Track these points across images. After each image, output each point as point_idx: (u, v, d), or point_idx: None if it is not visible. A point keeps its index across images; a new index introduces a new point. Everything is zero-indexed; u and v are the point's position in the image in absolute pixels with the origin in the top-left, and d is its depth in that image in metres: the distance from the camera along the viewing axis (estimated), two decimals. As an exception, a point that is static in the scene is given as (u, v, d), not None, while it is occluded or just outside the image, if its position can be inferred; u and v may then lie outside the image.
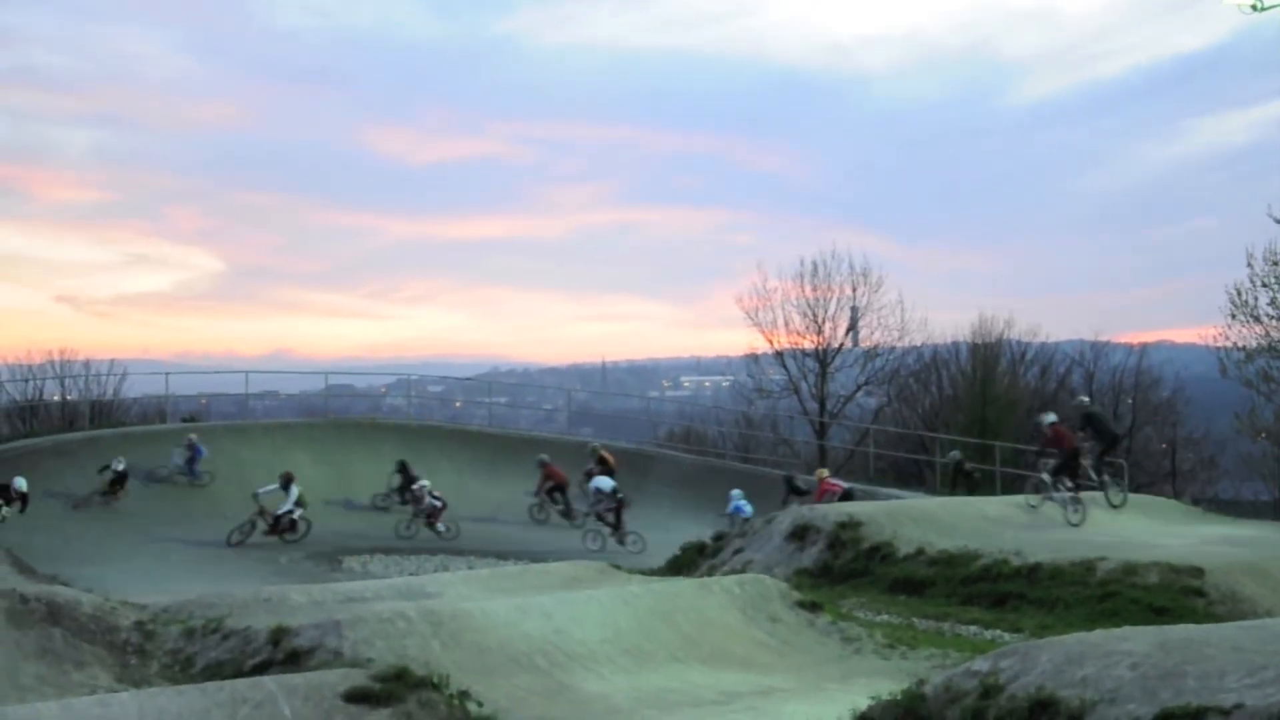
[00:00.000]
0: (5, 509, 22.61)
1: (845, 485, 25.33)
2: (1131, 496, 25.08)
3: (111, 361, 37.02)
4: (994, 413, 36.37)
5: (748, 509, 24.62)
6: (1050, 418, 21.02)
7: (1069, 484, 19.84)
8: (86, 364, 36.68)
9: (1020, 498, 21.36)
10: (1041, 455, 20.66)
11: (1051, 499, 20.01)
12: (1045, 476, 20.24)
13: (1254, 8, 20.36)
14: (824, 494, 24.37)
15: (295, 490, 24.03)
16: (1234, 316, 30.88)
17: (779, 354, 39.59)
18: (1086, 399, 21.39)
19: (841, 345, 39.20)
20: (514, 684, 11.31)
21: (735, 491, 25.92)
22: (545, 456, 27.43)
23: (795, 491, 25.91)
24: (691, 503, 27.53)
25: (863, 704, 7.84)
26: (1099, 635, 7.73)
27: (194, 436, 27.37)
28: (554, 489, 27.00)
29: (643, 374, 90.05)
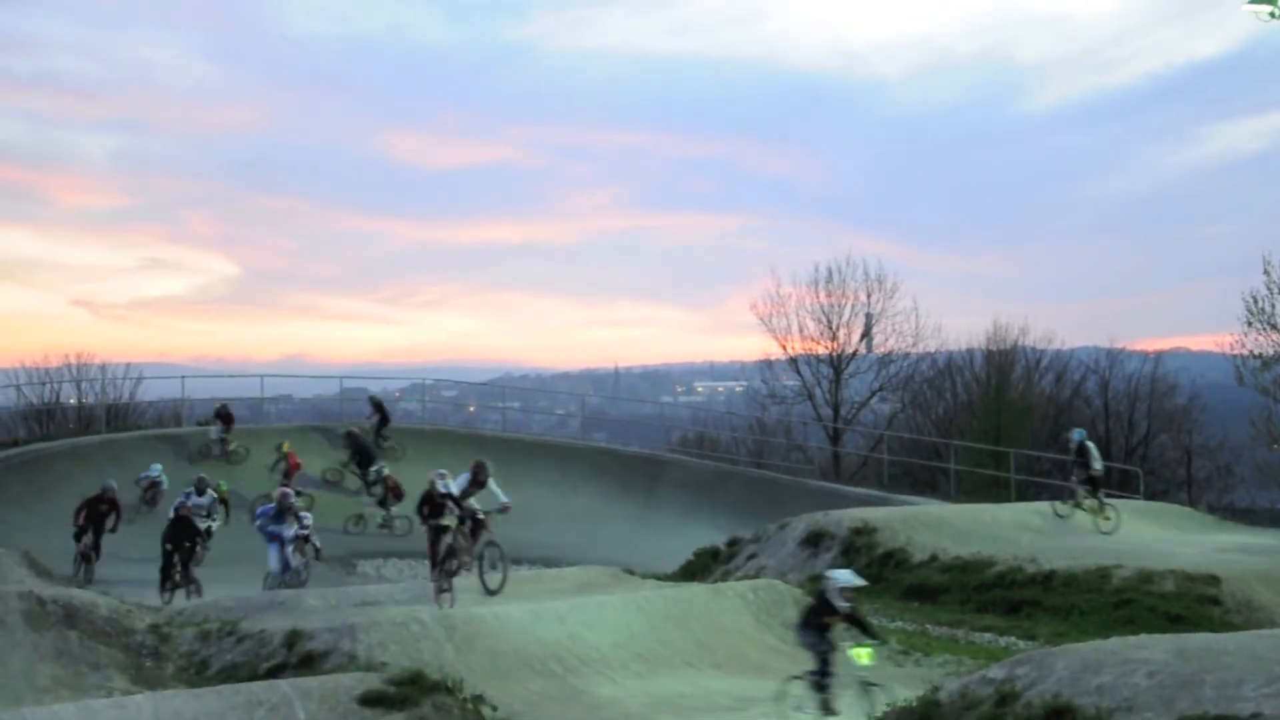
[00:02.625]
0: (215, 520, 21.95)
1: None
2: (1146, 504, 25.00)
3: (128, 365, 37.03)
4: (1009, 420, 36.20)
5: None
6: (1079, 433, 21.32)
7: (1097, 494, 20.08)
8: (103, 367, 36.72)
9: (1045, 505, 21.40)
10: (1075, 466, 20.69)
11: (1081, 507, 20.05)
12: (1077, 487, 20.46)
13: (1271, 15, 20.23)
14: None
15: (210, 495, 22.78)
16: (1250, 323, 30.69)
17: (793, 360, 39.50)
18: (1079, 433, 21.54)
19: (856, 351, 39.08)
20: (528, 688, 11.32)
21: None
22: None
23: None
24: (704, 508, 27.49)
25: (878, 710, 7.83)
26: (1115, 643, 7.70)
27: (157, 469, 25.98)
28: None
29: (656, 379, 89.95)
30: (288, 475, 25.22)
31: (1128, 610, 14.82)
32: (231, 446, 28.09)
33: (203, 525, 20.44)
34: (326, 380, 37.65)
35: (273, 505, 18.99)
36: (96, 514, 20.91)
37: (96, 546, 20.83)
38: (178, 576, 18.55)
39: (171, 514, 20.18)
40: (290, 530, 18.50)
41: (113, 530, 21.06)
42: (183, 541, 18.77)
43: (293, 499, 19.36)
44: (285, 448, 26.53)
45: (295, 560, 18.48)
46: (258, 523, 19.19)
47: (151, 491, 25.07)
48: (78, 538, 20.72)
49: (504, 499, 15.99)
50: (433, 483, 15.35)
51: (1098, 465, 20.42)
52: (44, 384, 35.31)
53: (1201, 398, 39.86)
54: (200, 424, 29.97)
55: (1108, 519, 19.86)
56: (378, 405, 29.77)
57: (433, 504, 15.16)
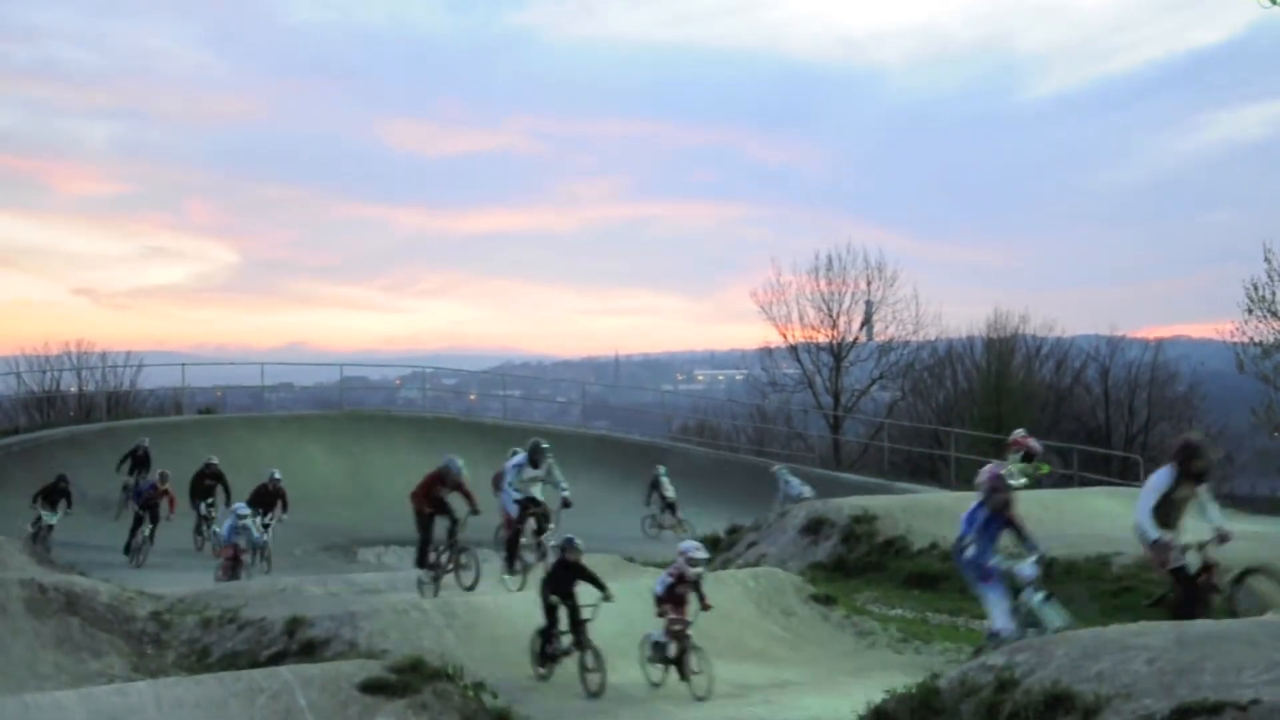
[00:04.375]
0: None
1: None
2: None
3: (128, 353, 37.07)
4: (1009, 407, 36.23)
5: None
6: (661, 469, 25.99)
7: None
8: (103, 355, 36.76)
9: (1044, 493, 21.51)
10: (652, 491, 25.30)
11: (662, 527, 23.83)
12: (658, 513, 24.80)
13: (1273, 1, 20.13)
14: None
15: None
16: (1251, 311, 30.70)
17: (793, 348, 39.56)
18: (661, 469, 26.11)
19: (856, 339, 39.14)
20: (528, 675, 11.35)
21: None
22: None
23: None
24: (704, 496, 27.50)
25: (877, 697, 7.84)
26: (1115, 630, 7.70)
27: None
28: None
29: (656, 367, 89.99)
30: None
31: (1127, 597, 14.82)
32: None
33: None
34: (327, 368, 37.74)
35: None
36: (203, 489, 22.82)
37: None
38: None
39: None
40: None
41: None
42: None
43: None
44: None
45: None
46: None
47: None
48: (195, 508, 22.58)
49: (565, 489, 14.91)
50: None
51: (670, 493, 25.25)
52: (44, 372, 35.41)
53: (1202, 385, 39.87)
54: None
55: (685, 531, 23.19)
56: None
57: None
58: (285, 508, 21.29)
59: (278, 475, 21.65)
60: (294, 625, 12.16)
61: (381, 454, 29.21)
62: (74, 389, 36.07)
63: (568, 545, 11.50)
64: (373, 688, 8.32)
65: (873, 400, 40.68)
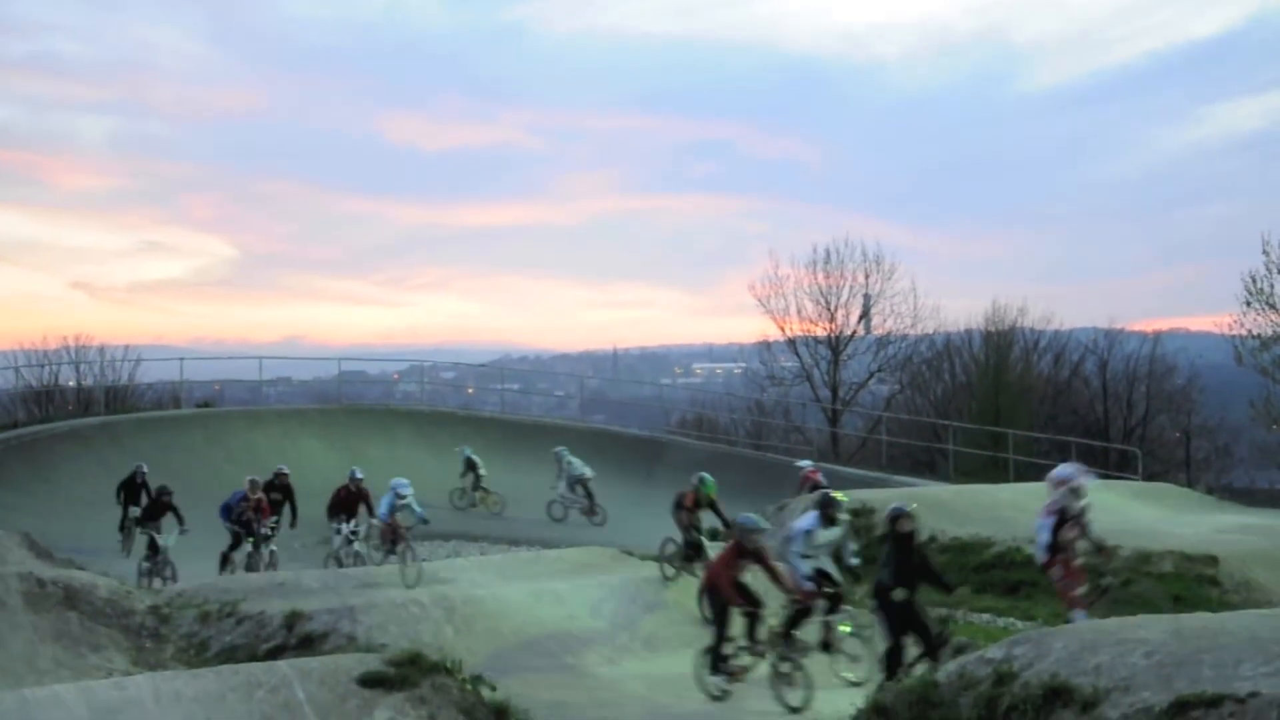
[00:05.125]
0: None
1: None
2: (1145, 485, 25.04)
3: (126, 347, 37.02)
4: (1007, 401, 36.24)
5: (585, 470, 25.70)
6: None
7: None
8: (102, 350, 36.69)
9: (1039, 485, 21.45)
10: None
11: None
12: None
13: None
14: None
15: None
16: (1249, 304, 30.75)
17: (791, 341, 39.54)
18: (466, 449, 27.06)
19: (854, 332, 39.12)
20: (527, 669, 11.36)
21: (563, 449, 26.38)
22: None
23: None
24: (704, 490, 27.51)
25: (875, 691, 7.85)
26: (1113, 623, 7.72)
27: None
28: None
29: (654, 361, 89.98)
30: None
31: (1126, 590, 14.85)
32: None
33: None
34: (325, 362, 37.68)
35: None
36: (350, 504, 18.97)
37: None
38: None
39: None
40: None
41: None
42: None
43: None
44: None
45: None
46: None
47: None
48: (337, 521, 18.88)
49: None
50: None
51: (585, 471, 25.46)
52: (43, 366, 35.31)
53: (1200, 378, 39.88)
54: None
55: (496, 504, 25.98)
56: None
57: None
58: (370, 509, 18.51)
59: (360, 474, 19.30)
60: (293, 619, 12.17)
61: (380, 448, 29.21)
62: (72, 384, 36.05)
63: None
64: (371, 681, 8.31)
65: (871, 393, 40.69)
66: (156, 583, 17.32)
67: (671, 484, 28.21)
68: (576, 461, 25.93)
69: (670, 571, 14.55)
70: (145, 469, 21.70)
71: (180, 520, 18.94)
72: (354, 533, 18.73)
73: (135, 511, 20.82)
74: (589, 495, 25.61)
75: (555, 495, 25.87)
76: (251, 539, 18.54)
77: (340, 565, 18.21)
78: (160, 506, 19.29)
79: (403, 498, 17.13)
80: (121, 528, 21.39)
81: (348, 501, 19.16)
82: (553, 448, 27.04)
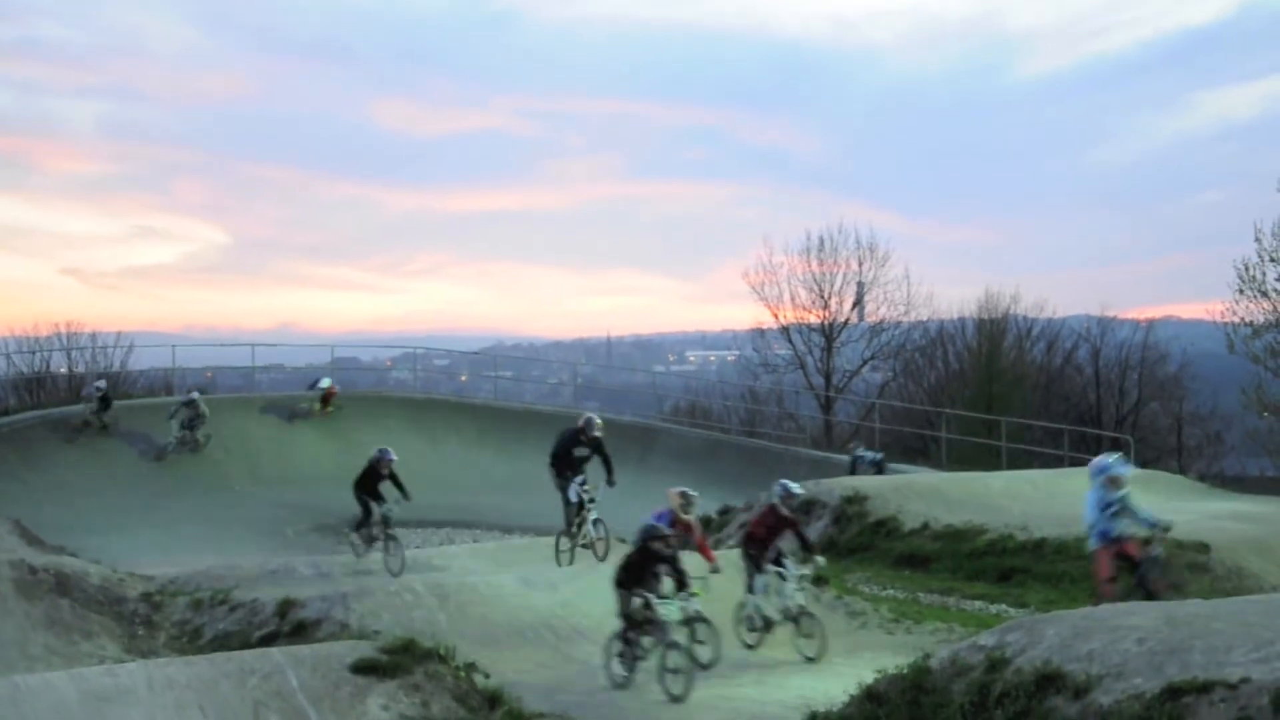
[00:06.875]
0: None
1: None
2: (1137, 472, 25.05)
3: (118, 334, 36.97)
4: (1000, 388, 36.31)
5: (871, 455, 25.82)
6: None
7: None
8: (93, 336, 36.64)
9: (1035, 473, 21.58)
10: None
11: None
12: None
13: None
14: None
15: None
16: (1241, 291, 30.74)
17: (785, 329, 39.55)
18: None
19: (847, 320, 39.16)
20: (520, 656, 11.35)
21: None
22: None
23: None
24: (696, 477, 27.49)
25: (869, 677, 7.85)
26: (1105, 610, 7.73)
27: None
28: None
29: (648, 348, 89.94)
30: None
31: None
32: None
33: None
34: (318, 349, 37.61)
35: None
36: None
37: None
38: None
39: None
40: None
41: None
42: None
43: None
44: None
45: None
46: None
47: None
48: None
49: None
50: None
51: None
52: (34, 353, 35.25)
53: (1192, 366, 39.97)
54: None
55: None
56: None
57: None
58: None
59: (393, 456, 17.72)
60: (286, 606, 12.16)
61: (373, 435, 29.08)
62: (64, 370, 35.95)
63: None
64: (364, 669, 8.32)
65: (864, 381, 40.73)
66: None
67: (665, 471, 28.34)
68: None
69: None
70: (393, 456, 17.84)
71: (402, 489, 17.33)
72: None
73: (380, 509, 17.38)
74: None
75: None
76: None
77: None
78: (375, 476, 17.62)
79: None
80: (361, 525, 17.58)
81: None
82: (544, 435, 26.94)
